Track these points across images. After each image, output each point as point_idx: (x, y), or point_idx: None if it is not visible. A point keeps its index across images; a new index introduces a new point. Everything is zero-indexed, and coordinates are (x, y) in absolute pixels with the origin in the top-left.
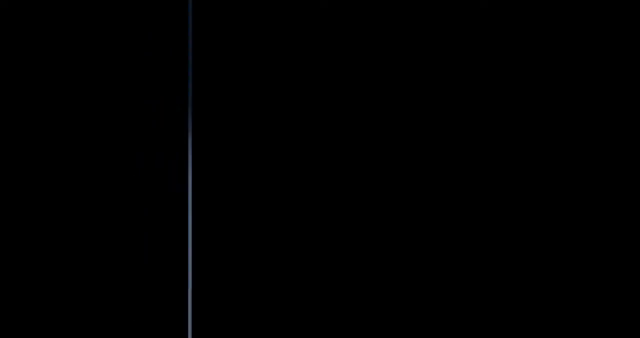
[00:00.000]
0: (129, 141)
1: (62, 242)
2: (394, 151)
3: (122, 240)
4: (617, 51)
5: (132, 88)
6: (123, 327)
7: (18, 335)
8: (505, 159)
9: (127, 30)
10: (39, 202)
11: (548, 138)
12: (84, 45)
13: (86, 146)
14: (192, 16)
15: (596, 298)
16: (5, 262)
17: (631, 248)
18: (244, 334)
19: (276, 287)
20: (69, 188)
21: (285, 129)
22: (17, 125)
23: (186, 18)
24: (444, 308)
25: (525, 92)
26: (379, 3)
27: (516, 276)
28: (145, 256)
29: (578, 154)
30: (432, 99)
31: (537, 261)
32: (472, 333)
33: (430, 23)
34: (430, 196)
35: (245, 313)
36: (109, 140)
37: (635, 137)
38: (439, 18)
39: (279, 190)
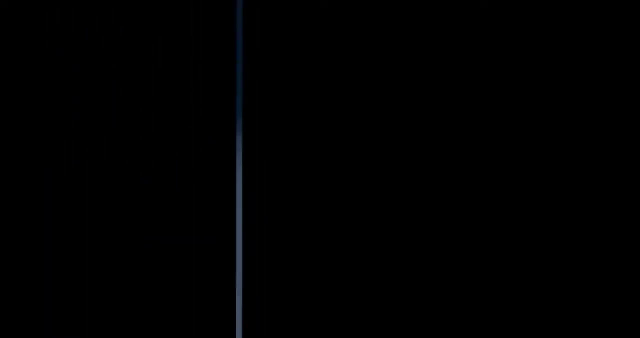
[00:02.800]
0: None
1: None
2: (406, 150)
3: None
4: (617, 51)
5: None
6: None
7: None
8: (511, 160)
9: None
10: None
11: (549, 138)
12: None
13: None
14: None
15: (596, 298)
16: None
17: (631, 248)
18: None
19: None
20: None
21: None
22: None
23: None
24: (455, 307)
25: (526, 92)
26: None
27: (516, 276)
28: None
29: (578, 154)
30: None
31: (537, 261)
32: (472, 334)
33: (431, 23)
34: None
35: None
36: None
37: (636, 137)
38: (439, 18)
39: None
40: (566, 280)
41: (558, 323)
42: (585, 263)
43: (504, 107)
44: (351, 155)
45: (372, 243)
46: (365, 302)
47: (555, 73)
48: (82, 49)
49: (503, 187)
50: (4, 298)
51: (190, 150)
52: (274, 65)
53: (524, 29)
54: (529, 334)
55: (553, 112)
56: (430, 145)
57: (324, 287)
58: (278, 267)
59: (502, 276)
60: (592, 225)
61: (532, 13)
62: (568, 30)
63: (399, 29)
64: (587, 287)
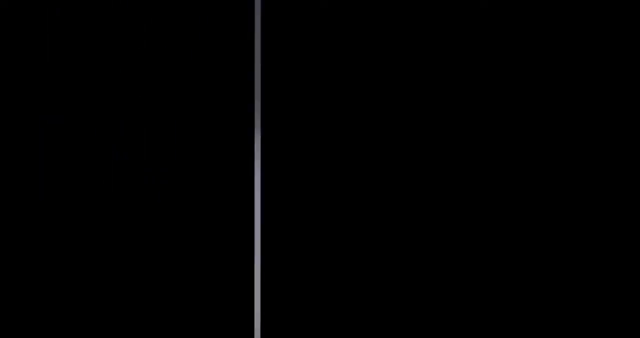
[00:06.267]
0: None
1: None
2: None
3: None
4: (617, 51)
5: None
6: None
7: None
8: (509, 160)
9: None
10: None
11: (548, 138)
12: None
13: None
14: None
15: (596, 299)
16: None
17: (631, 248)
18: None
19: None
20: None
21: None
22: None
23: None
24: (454, 308)
25: (525, 92)
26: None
27: (516, 276)
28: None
29: (578, 154)
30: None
31: (537, 261)
32: (472, 334)
33: (431, 23)
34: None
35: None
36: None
37: (636, 137)
38: (439, 18)
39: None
40: (566, 281)
41: (558, 324)
42: (585, 264)
43: (507, 109)
44: (358, 156)
45: (382, 245)
46: (380, 304)
47: (555, 73)
48: (82, 49)
49: (505, 188)
50: (3, 299)
51: (207, 151)
52: (289, 65)
53: (524, 29)
54: (529, 334)
55: (553, 112)
56: (441, 145)
57: (337, 288)
58: (294, 268)
59: (503, 277)
60: (592, 225)
61: (532, 13)
62: (568, 30)
63: (399, 29)
64: (587, 287)
